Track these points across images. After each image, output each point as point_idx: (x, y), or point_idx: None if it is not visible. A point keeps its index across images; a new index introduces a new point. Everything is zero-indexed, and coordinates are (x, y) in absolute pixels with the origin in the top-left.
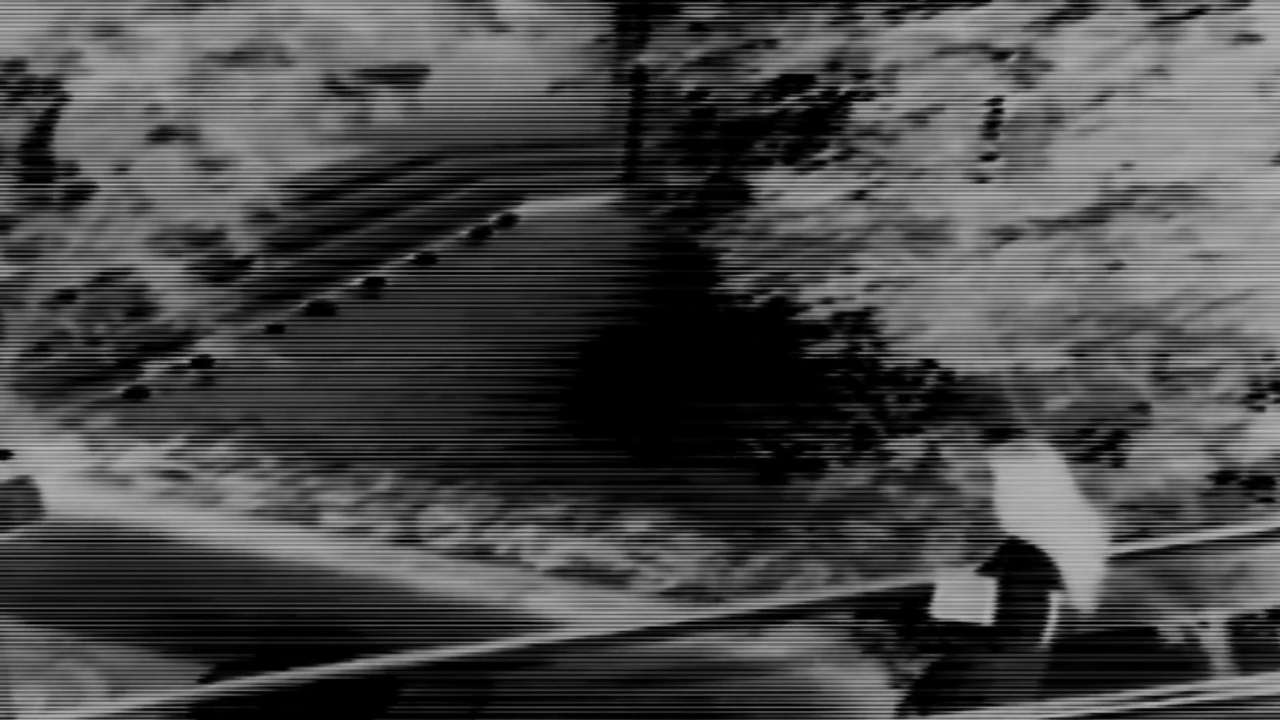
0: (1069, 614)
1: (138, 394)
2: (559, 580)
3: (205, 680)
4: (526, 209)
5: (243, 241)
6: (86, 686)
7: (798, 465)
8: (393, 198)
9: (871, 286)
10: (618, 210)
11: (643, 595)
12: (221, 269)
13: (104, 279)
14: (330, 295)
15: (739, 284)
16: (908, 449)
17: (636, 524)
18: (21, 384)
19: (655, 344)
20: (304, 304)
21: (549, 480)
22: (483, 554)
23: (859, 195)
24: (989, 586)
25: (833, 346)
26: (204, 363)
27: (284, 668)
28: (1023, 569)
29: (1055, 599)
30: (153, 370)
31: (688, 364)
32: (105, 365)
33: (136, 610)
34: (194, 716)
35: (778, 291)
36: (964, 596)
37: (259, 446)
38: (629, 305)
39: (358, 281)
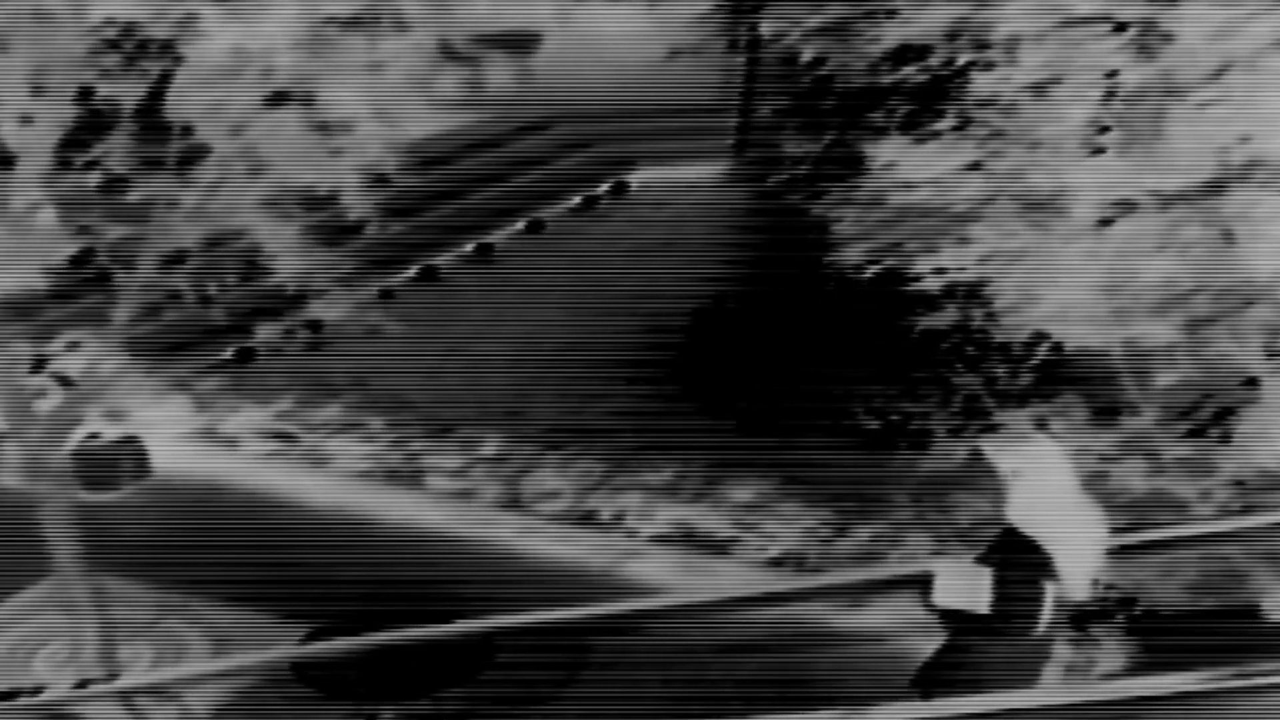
0: (1064, 604)
1: (247, 356)
2: (661, 547)
3: (307, 641)
4: (639, 176)
5: (356, 205)
6: (190, 645)
7: (905, 436)
8: (505, 164)
9: (985, 258)
10: (731, 179)
11: (745, 564)
12: (334, 232)
13: (217, 241)
14: (441, 260)
15: (851, 254)
16: (1015, 422)
17: (741, 493)
18: (132, 344)
19: (765, 313)
20: (415, 269)
21: (654, 447)
22: (586, 520)
23: (975, 166)
24: (986, 576)
25: (944, 318)
26: (314, 326)
27: (385, 629)
28: (1019, 560)
29: (1050, 590)
30: (263, 332)
31: (797, 334)
32: (216, 327)
33: (241, 571)
34: (296, 677)
35: (890, 262)
36: (962, 585)
37: (367, 410)
38: (739, 274)
39: (468, 247)
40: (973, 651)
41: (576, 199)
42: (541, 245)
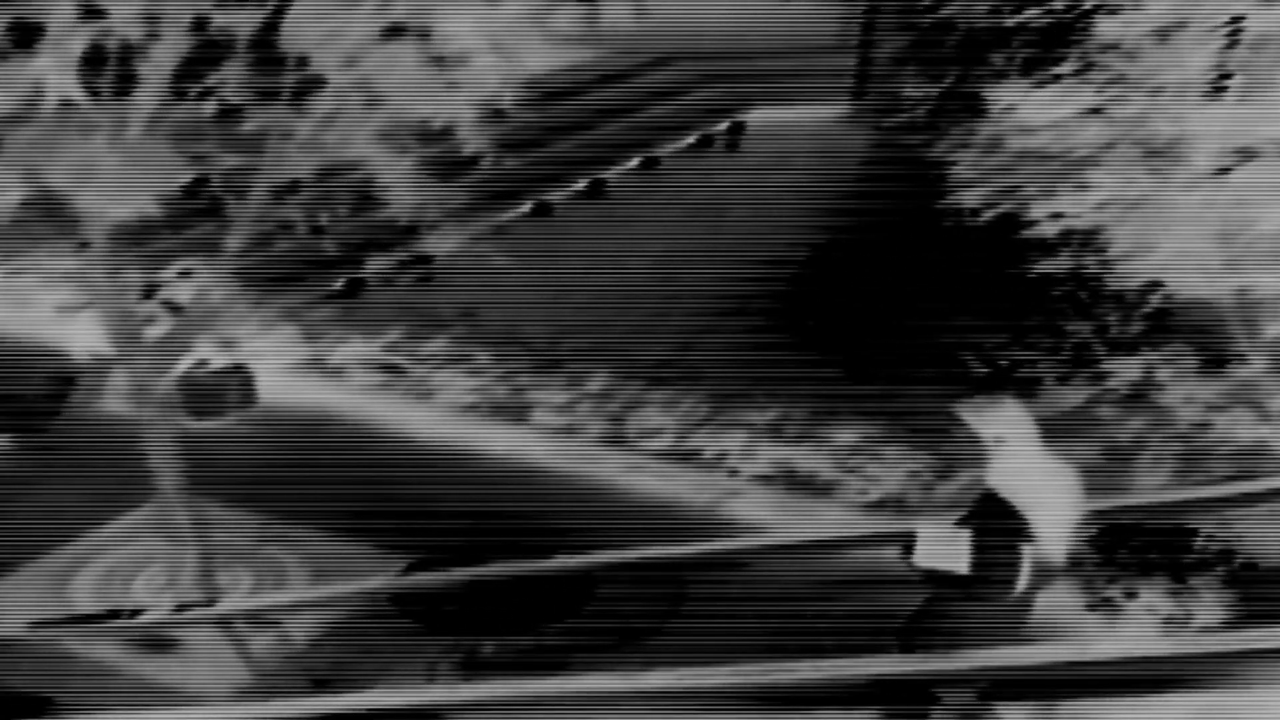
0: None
1: (357, 287)
2: (763, 487)
3: (407, 572)
4: (755, 117)
5: (471, 139)
6: (290, 574)
7: (1013, 383)
8: (621, 101)
9: (1102, 204)
10: (848, 121)
11: (845, 506)
12: (449, 166)
13: (331, 172)
14: (554, 196)
15: (967, 198)
16: (1124, 370)
17: (845, 435)
18: (243, 274)
19: (877, 256)
20: (528, 204)
21: (761, 388)
22: (689, 458)
23: (1095, 111)
24: (965, 538)
25: (1058, 264)
26: (425, 259)
27: (485, 562)
28: (997, 524)
29: (1027, 552)
30: (374, 264)
31: (909, 277)
32: (327, 258)
33: (343, 500)
34: (395, 608)
35: (1006, 207)
36: (942, 546)
37: (474, 343)
38: (853, 217)
39: (582, 183)
40: (951, 610)
41: (692, 137)
42: (655, 183)
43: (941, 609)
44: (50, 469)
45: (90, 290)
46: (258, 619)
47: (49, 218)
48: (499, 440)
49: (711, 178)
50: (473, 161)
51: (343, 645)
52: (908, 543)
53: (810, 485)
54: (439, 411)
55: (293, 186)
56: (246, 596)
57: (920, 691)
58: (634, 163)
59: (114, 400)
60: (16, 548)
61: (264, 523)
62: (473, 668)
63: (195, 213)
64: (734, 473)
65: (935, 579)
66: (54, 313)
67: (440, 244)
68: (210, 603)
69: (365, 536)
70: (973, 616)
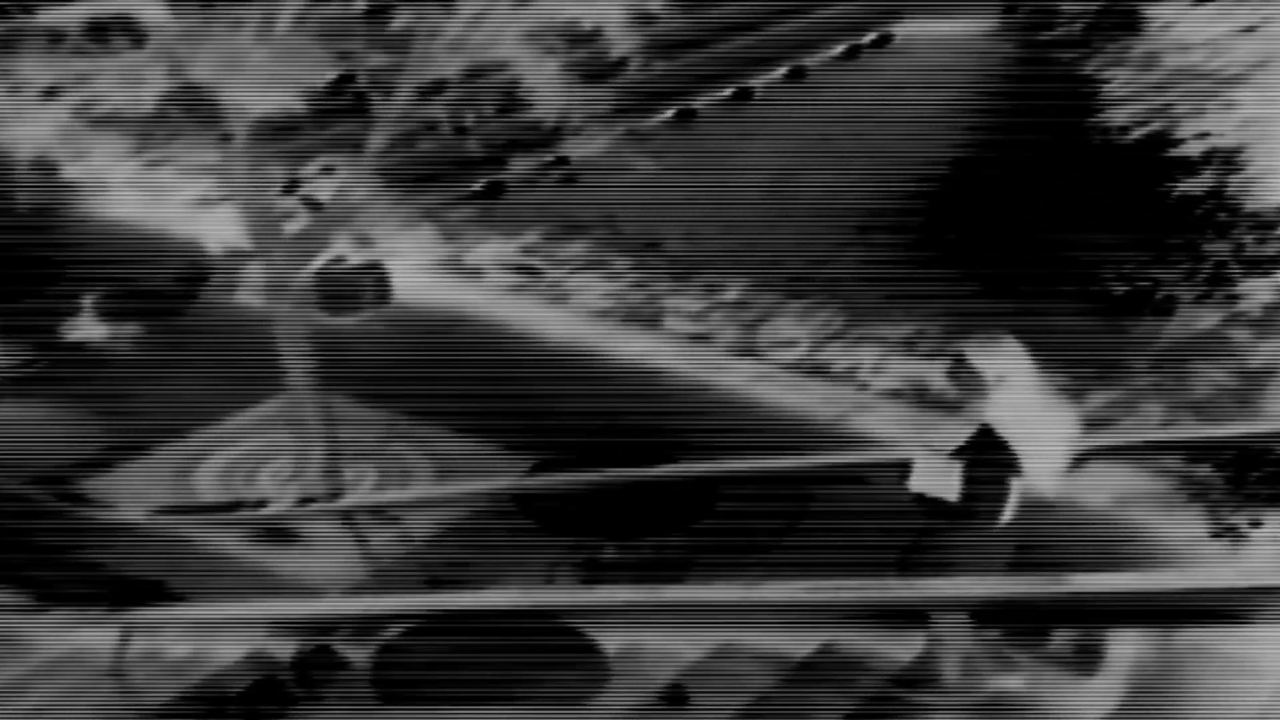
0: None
1: (497, 189)
2: (892, 402)
3: (531, 473)
4: (904, 29)
5: (619, 42)
6: (415, 470)
7: (1149, 304)
8: (770, 9)
9: (1246, 123)
10: (999, 36)
11: (974, 423)
12: (596, 69)
13: (477, 72)
14: (699, 103)
15: (1118, 116)
16: (1258, 292)
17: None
18: (386, 171)
19: (1021, 173)
20: (673, 109)
21: (896, 302)
22: (819, 370)
23: (1250, 30)
24: (956, 468)
25: (1200, 183)
26: (567, 161)
27: (610, 467)
28: (988, 456)
29: (1015, 485)
30: (516, 166)
31: (1051, 195)
32: (469, 158)
33: (471, 400)
34: (518, 508)
35: (1155, 125)
36: (935, 475)
37: (612, 248)
38: (1000, 133)
39: (727, 91)
40: (941, 537)
41: (840, 48)
42: (801, 93)
43: (932, 535)
44: (180, 360)
45: (230, 184)
46: (379, 515)
47: (192, 111)
48: (630, 346)
49: (858, 90)
50: (620, 65)
51: (462, 544)
52: (904, 470)
53: (940, 402)
54: (572, 315)
55: (438, 86)
56: (370, 492)
57: (1039, 614)
58: (780, 72)
59: (248, 294)
60: (142, 435)
61: (391, 420)
62: (592, 572)
63: (340, 110)
64: (864, 387)
65: (927, 506)
66: (191, 206)
67: (583, 147)
68: (334, 497)
69: (491, 437)
70: (961, 544)
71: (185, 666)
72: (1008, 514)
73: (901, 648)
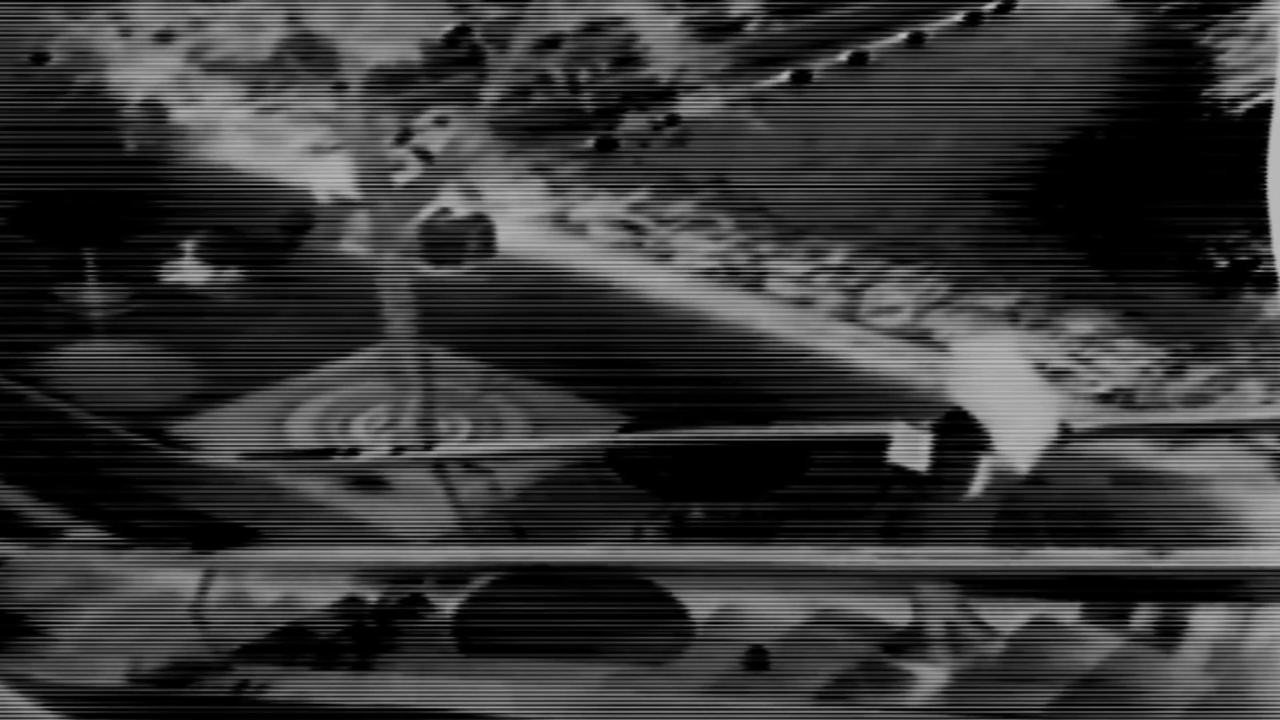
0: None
1: (609, 146)
2: None
3: (624, 430)
4: None
5: (739, 1)
6: (508, 423)
7: (1253, 279)
8: None
9: None
10: (1117, 4)
11: (1073, 396)
12: (713, 28)
13: (594, 26)
14: (815, 66)
15: (1230, 88)
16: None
17: (1080, 324)
18: (497, 125)
19: (1132, 144)
20: (789, 71)
21: (1001, 271)
22: (922, 337)
23: None
24: (926, 440)
25: None
26: (679, 120)
27: (703, 427)
28: (957, 431)
29: (985, 460)
30: (629, 123)
31: (1160, 167)
32: (582, 114)
33: (569, 355)
34: (609, 465)
35: (1263, 98)
36: (908, 445)
37: (719, 208)
38: (1115, 103)
39: (844, 55)
40: (914, 506)
41: (959, 15)
42: (919, 59)
43: (905, 504)
44: (279, 306)
45: (342, 133)
46: (471, 466)
47: (308, 59)
48: (731, 307)
49: (975, 57)
50: (738, 25)
51: (551, 498)
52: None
53: (1039, 373)
54: (675, 274)
55: (554, 40)
56: (463, 443)
57: (1123, 588)
58: (899, 37)
59: (351, 243)
60: (236, 380)
61: (488, 371)
62: (679, 531)
63: (455, 61)
64: None
65: (901, 475)
66: (300, 153)
67: (697, 106)
68: (427, 447)
69: (587, 392)
70: (934, 514)
71: (267, 610)
72: (977, 486)
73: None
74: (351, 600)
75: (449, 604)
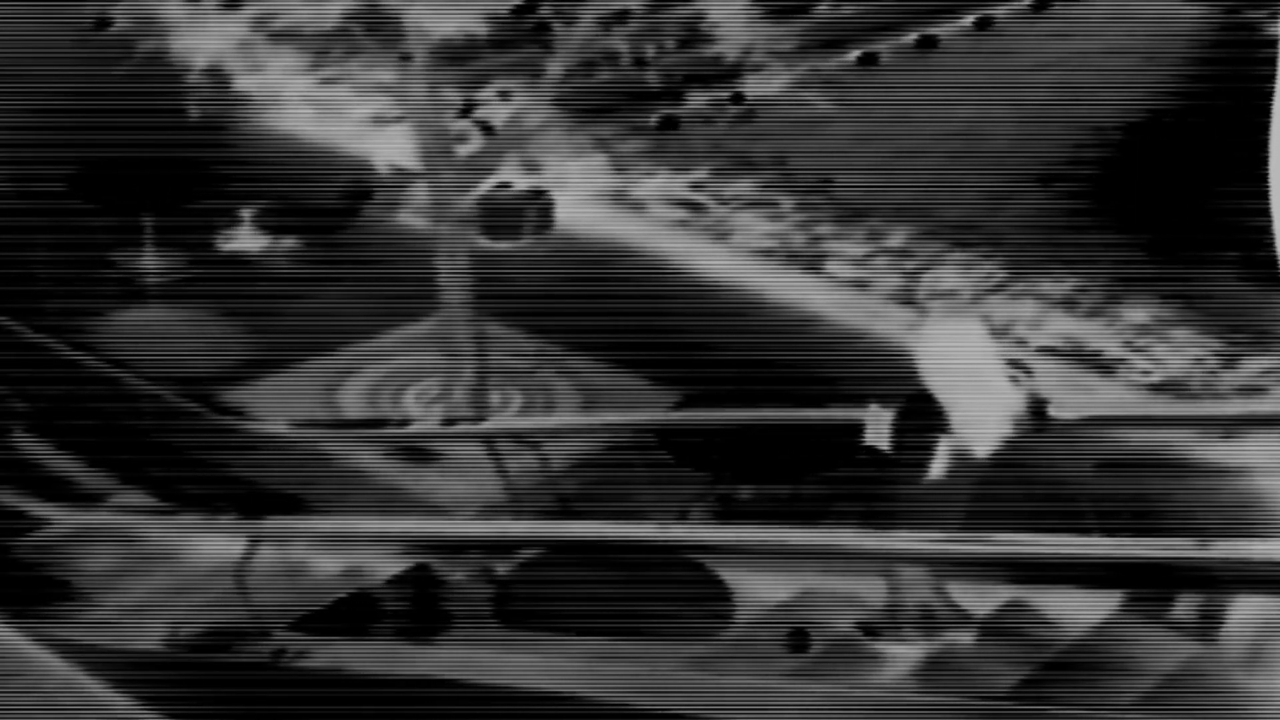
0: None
1: (671, 123)
2: (1046, 359)
3: (675, 408)
4: None
5: None
6: (560, 398)
7: None
8: None
9: None
10: None
11: (1126, 385)
12: (782, 7)
13: (661, 3)
14: (883, 48)
15: None
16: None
17: (1137, 313)
18: (562, 99)
19: (1197, 132)
20: (856, 53)
21: (1060, 259)
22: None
23: None
24: (885, 419)
25: None
26: (745, 99)
27: (755, 407)
28: (916, 412)
29: (944, 442)
30: (693, 101)
31: (1222, 157)
32: (647, 91)
33: (623, 332)
34: (659, 443)
35: None
36: (873, 426)
37: (780, 188)
38: (1180, 91)
39: (911, 38)
40: (881, 487)
41: (1029, 0)
42: (986, 43)
43: (873, 485)
44: (335, 276)
45: (406, 104)
46: (522, 439)
47: (374, 30)
48: (788, 287)
49: (1042, 43)
50: (805, 6)
51: (599, 475)
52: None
53: (1094, 361)
54: (733, 253)
55: (621, 16)
56: (514, 417)
57: (1166, 578)
58: (968, 21)
59: (410, 214)
60: (289, 348)
61: (542, 346)
62: (726, 511)
63: (521, 35)
64: (1020, 342)
65: (870, 455)
66: (362, 124)
67: (763, 86)
68: (478, 419)
69: (640, 370)
70: (903, 496)
71: (310, 579)
72: (937, 469)
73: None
74: (393, 571)
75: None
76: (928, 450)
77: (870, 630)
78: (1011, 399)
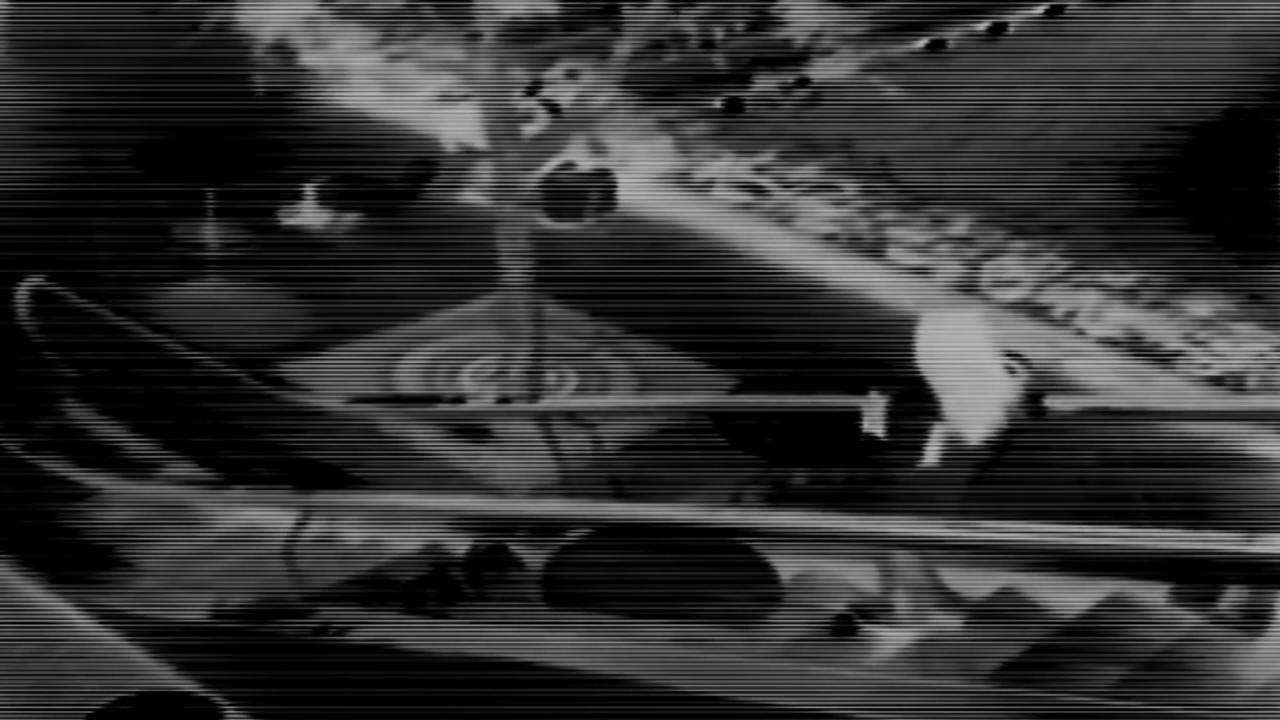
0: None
1: (736, 106)
2: (1107, 350)
3: (732, 392)
4: None
5: None
6: (615, 379)
7: None
8: None
9: None
10: None
11: (1185, 378)
12: None
13: None
14: (952, 35)
15: None
16: None
17: (1199, 307)
18: (629, 80)
19: (1264, 129)
20: (925, 39)
21: (1123, 250)
22: (1038, 313)
23: None
24: (880, 405)
25: None
26: (811, 83)
27: (812, 392)
28: (909, 399)
29: (937, 430)
30: (760, 84)
31: None
32: (714, 73)
33: (682, 314)
34: (713, 426)
35: None
36: (869, 411)
37: (845, 173)
38: (1251, 87)
39: (982, 24)
40: (880, 474)
41: None
42: (1056, 31)
43: (870, 471)
44: (395, 253)
45: (473, 82)
46: (576, 419)
47: (443, 7)
48: (849, 273)
49: (1116, 33)
50: None
51: (653, 457)
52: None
53: (1153, 353)
54: (795, 237)
55: None
56: (569, 397)
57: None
58: (1039, 9)
59: (473, 192)
60: (347, 323)
61: (600, 327)
62: (779, 496)
63: (590, 15)
64: (1081, 332)
65: (869, 442)
66: (428, 101)
67: (831, 70)
68: (533, 398)
69: (697, 352)
70: (899, 481)
71: (359, 553)
72: (931, 456)
73: (1078, 597)
74: (439, 548)
75: (539, 556)
76: (923, 438)
77: (864, 614)
78: (1006, 389)
